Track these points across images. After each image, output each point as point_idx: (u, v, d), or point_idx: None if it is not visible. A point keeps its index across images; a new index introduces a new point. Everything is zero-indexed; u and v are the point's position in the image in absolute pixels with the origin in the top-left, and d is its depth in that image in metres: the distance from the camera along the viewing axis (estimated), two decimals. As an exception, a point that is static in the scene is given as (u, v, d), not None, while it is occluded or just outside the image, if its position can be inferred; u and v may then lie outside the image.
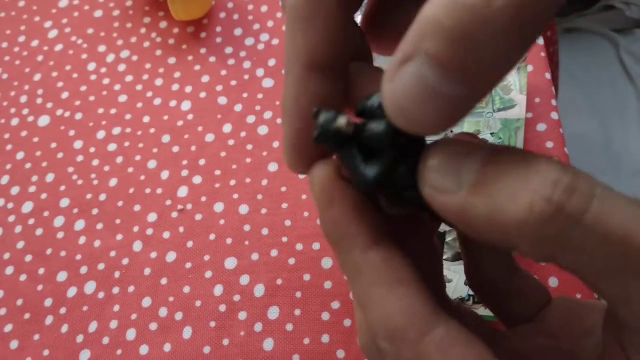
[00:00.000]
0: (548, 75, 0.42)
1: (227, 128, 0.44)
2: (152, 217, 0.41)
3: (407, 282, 0.16)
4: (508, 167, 0.14)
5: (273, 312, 0.37)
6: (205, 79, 0.47)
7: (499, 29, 0.12)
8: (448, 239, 0.36)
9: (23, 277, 0.40)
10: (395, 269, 0.16)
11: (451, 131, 0.40)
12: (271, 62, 0.47)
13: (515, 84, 0.40)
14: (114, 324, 0.38)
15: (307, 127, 0.17)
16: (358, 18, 0.26)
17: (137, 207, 0.42)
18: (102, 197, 0.42)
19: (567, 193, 0.13)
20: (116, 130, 0.45)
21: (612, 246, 0.13)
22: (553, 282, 0.35)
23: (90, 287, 0.39)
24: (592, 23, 1.03)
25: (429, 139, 0.16)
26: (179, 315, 0.37)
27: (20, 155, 0.45)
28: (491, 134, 0.39)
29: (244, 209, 0.40)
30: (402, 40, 0.14)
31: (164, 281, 0.39)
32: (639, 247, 0.13)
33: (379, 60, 0.20)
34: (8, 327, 0.38)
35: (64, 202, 0.42)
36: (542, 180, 0.13)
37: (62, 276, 0.40)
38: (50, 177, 0.44)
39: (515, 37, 0.13)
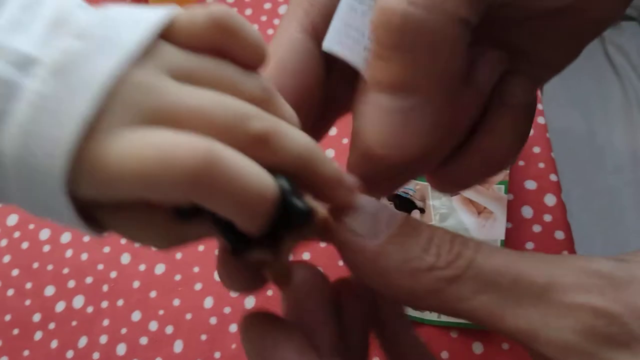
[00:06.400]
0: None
1: (213, 136, 0.43)
2: (139, 228, 0.41)
3: None
4: (415, 230, 0.18)
5: (264, 324, 0.37)
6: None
7: None
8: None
9: (11, 292, 0.40)
10: None
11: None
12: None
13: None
14: (104, 339, 0.37)
15: None
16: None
17: (124, 219, 0.41)
18: (89, 208, 0.42)
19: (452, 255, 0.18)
20: (101, 139, 0.44)
21: (504, 282, 0.16)
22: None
23: (78, 301, 0.39)
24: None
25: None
26: (169, 329, 0.37)
27: (3, 166, 0.44)
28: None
29: (232, 219, 0.40)
30: None
31: (153, 294, 0.38)
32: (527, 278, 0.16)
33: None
34: (-3, 344, 0.38)
35: (50, 214, 0.42)
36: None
37: (50, 290, 0.39)
38: (34, 189, 0.43)
39: None
